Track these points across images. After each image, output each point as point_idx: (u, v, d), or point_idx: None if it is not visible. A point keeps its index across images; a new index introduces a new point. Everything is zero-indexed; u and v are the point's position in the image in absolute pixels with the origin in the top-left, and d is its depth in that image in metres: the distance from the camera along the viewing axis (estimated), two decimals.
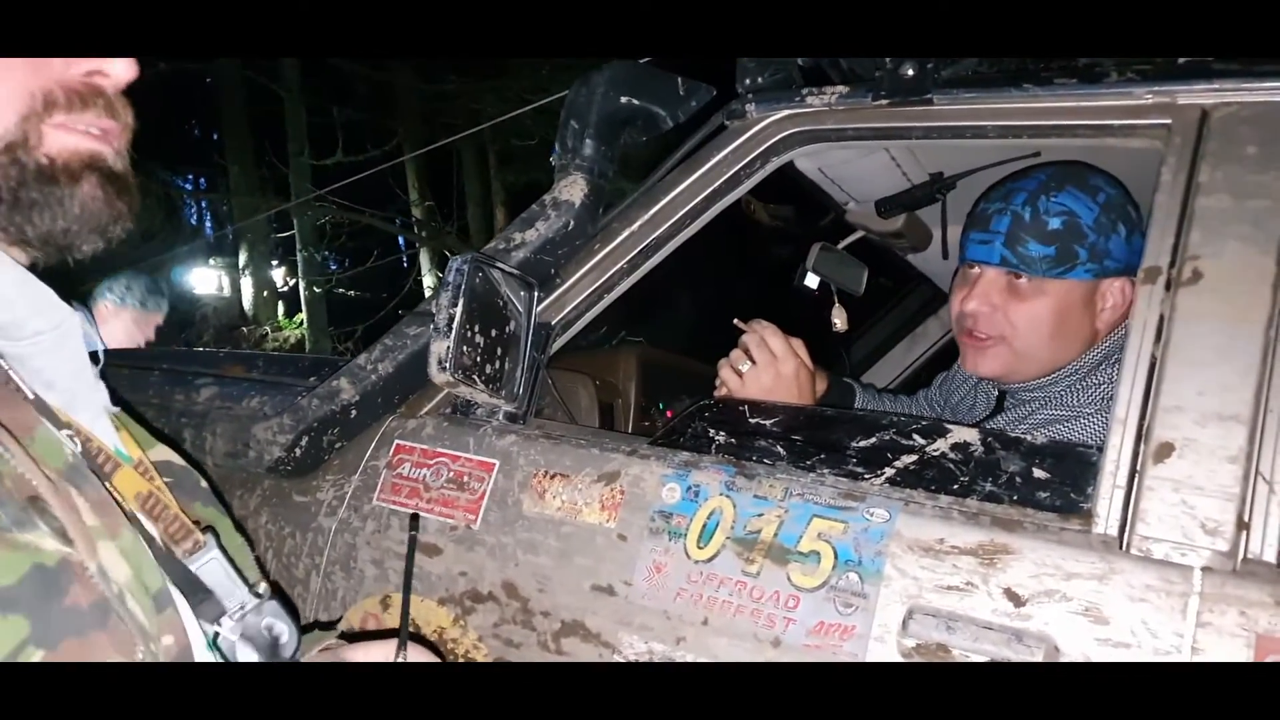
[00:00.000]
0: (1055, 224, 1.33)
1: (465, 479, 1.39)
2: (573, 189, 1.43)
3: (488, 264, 1.29)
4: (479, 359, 1.27)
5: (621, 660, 1.18)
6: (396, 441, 1.49)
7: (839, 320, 1.93)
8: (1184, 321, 1.01)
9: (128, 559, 0.64)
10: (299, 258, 11.76)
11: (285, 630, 0.78)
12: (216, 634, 0.73)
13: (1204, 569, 0.91)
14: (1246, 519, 0.92)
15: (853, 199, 1.81)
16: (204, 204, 13.45)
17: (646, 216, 1.43)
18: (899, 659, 1.02)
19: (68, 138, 0.69)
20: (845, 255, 2.00)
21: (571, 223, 1.43)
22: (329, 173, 11.06)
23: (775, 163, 1.41)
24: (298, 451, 1.53)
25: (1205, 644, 0.88)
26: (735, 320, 1.52)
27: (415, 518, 1.37)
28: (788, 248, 1.95)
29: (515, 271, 1.35)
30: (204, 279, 12.84)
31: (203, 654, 0.71)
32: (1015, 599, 0.98)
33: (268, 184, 11.92)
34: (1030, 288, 1.37)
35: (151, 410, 1.78)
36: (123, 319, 3.51)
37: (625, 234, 1.44)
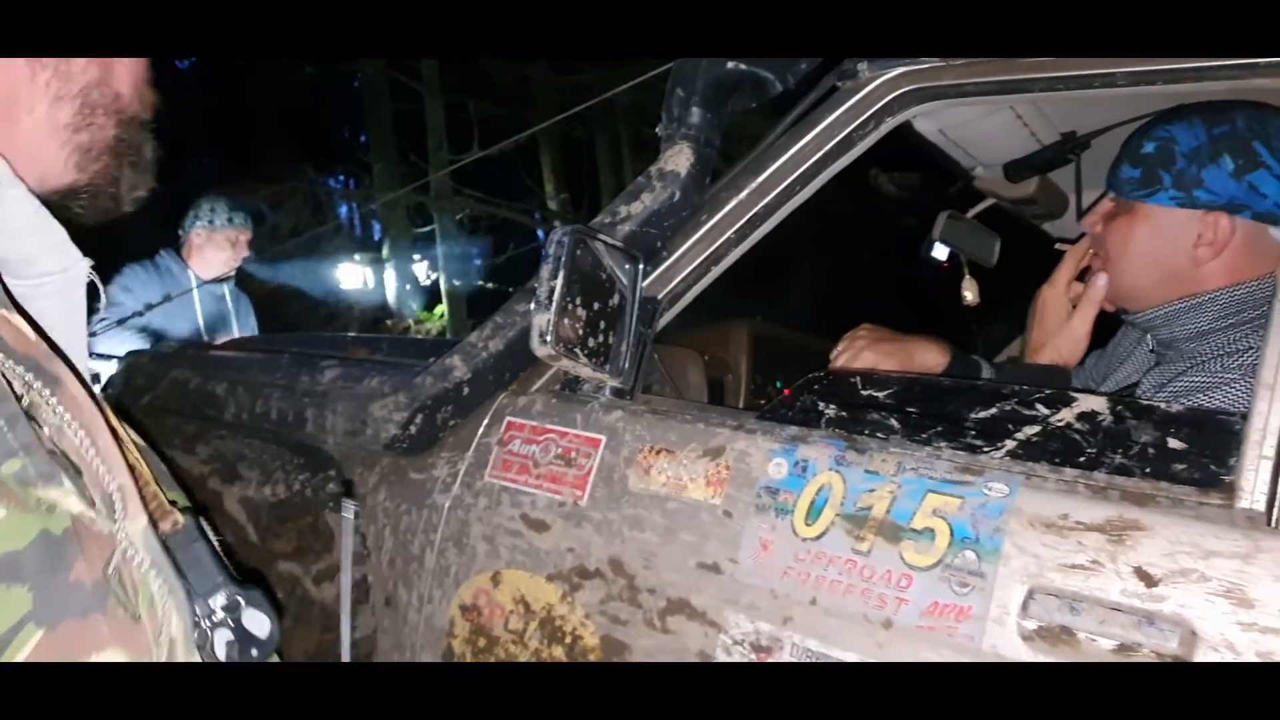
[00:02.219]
0: (1149, 148, 1.31)
1: (573, 455, 1.39)
2: (679, 159, 1.41)
3: (590, 236, 1.28)
4: (582, 332, 1.26)
5: (729, 639, 1.15)
6: (507, 418, 1.50)
7: (970, 293, 1.84)
8: None
9: (148, 534, 0.61)
10: (439, 251, 12.16)
11: (267, 623, 0.73)
12: (195, 622, 0.68)
13: None
14: None
15: (980, 163, 1.71)
16: (352, 204, 14.03)
17: (754, 184, 1.39)
18: (1019, 642, 0.95)
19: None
20: (975, 224, 1.90)
21: (677, 194, 1.40)
22: (468, 168, 11.39)
23: (890, 123, 1.35)
24: (412, 429, 1.56)
25: None
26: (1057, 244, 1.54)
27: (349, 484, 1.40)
28: (916, 218, 1.86)
29: (619, 245, 1.34)
30: (349, 274, 13.42)
31: (187, 644, 0.66)
32: (1147, 579, 0.90)
33: (409, 180, 12.37)
34: (1122, 209, 1.35)
35: (278, 391, 1.87)
36: (216, 241, 3.60)
37: (733, 203, 1.41)
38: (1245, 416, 0.93)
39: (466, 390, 1.54)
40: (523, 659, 1.35)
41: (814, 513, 1.13)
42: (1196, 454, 0.95)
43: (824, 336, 1.59)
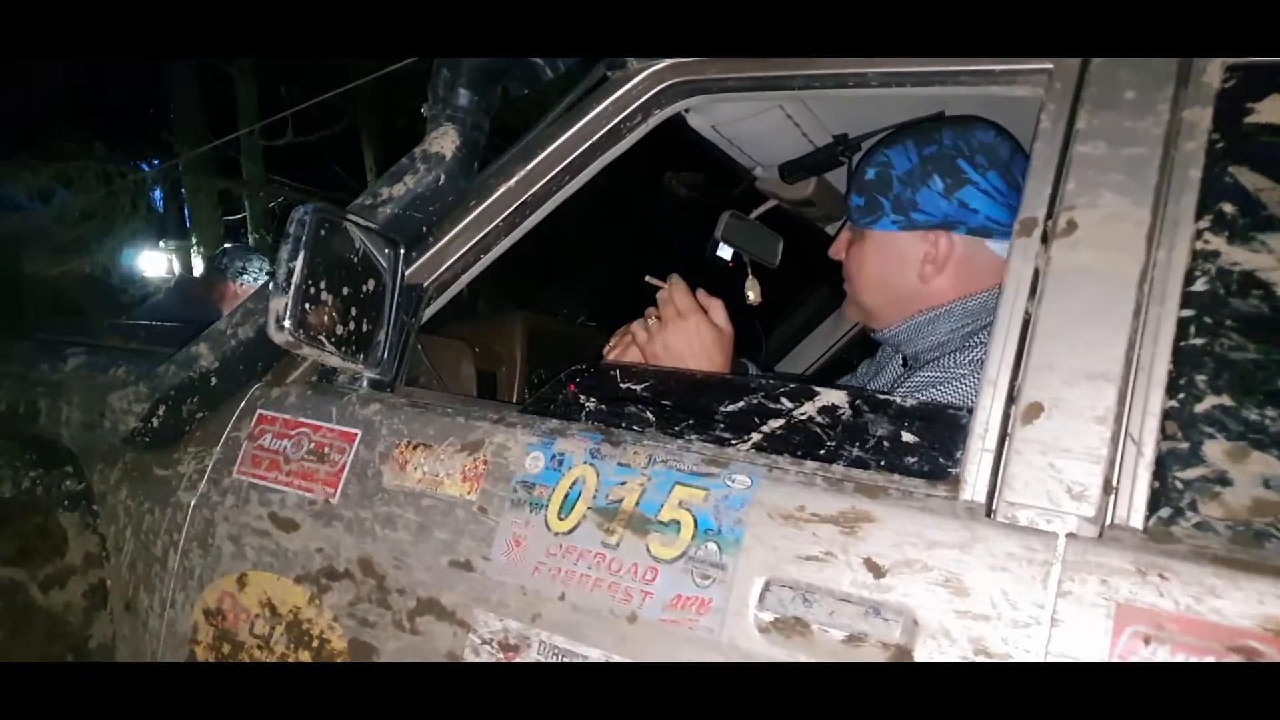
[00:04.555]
0: (870, 174, 1.36)
1: (326, 450, 1.30)
2: (444, 141, 1.34)
3: (339, 217, 1.20)
4: (328, 319, 1.18)
5: (477, 639, 1.10)
6: (259, 411, 1.39)
7: (752, 293, 1.85)
8: (1058, 275, 0.94)
9: None
10: (250, 240, 11.53)
11: None
12: None
13: (1068, 535, 0.85)
14: (1114, 483, 0.85)
15: (758, 163, 1.73)
16: (156, 184, 13.12)
17: (524, 171, 1.35)
18: (756, 634, 0.94)
19: None
20: (758, 225, 1.92)
21: (443, 177, 1.34)
22: (280, 153, 10.84)
23: (658, 115, 1.33)
24: (155, 421, 1.43)
25: (1065, 614, 0.81)
26: (647, 277, 1.43)
27: None
28: (704, 218, 1.87)
29: (375, 227, 1.26)
30: (153, 261, 12.58)
31: None
32: (875, 569, 0.91)
33: (218, 164, 11.68)
34: (855, 237, 1.41)
35: (9, 380, 1.68)
36: (243, 294, 3.27)
37: (502, 190, 1.36)
38: (971, 411, 0.96)
39: (214, 380, 1.42)
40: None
41: (567, 507, 1.09)
42: (927, 447, 0.97)
43: (608, 332, 1.56)
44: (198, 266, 11.92)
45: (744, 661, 0.94)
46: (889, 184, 1.33)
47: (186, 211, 12.33)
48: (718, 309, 1.36)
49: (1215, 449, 0.82)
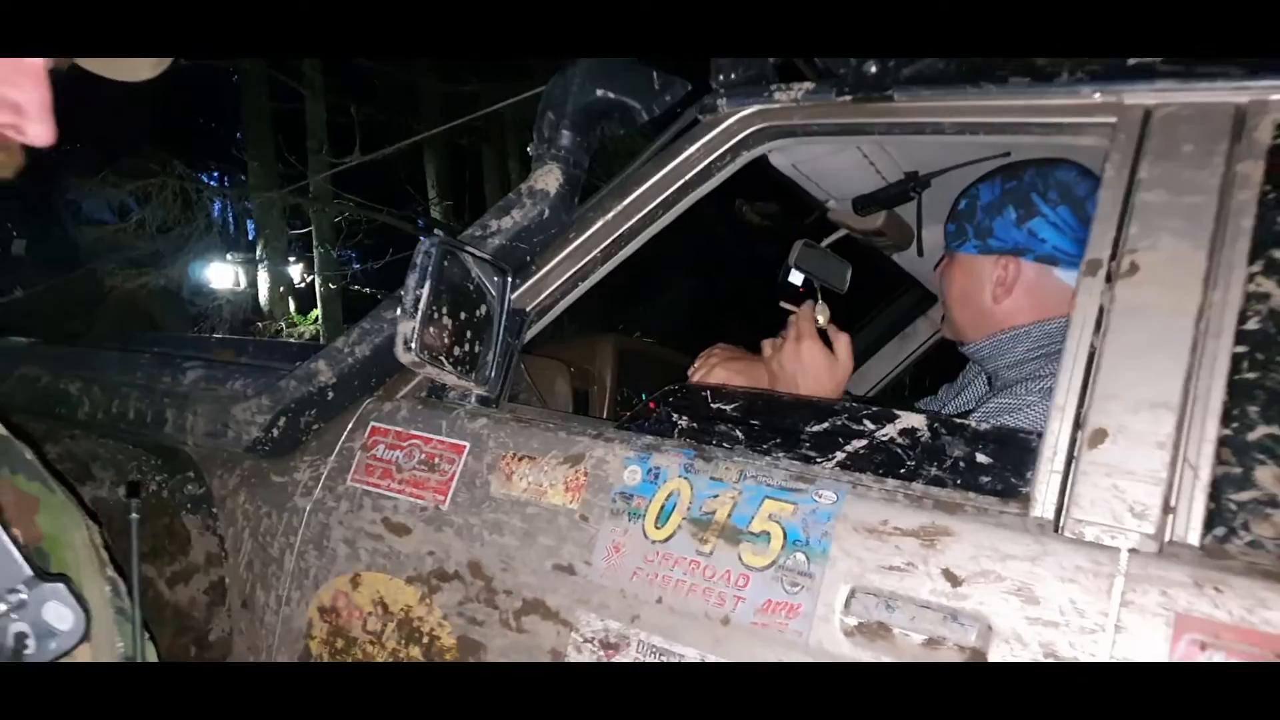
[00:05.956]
0: (962, 205, 1.52)
1: (436, 460, 1.42)
2: (548, 178, 1.47)
3: (458, 248, 1.32)
4: (448, 341, 1.30)
5: (579, 637, 1.21)
6: (372, 424, 1.52)
7: (822, 317, 1.96)
8: (1121, 312, 1.03)
9: None
10: (315, 254, 11.87)
11: (70, 615, 0.73)
12: None
13: (1131, 551, 0.93)
14: (1172, 503, 0.94)
15: (832, 196, 1.83)
16: (225, 200, 13.56)
17: (620, 207, 1.46)
18: (841, 638, 1.04)
19: None
20: (828, 253, 2.01)
21: (547, 211, 1.46)
22: (348, 171, 11.15)
23: (746, 157, 1.44)
24: (275, 432, 1.57)
25: (1128, 623, 0.90)
26: (782, 302, 1.58)
27: (134, 485, 1.41)
28: (776, 246, 1.97)
29: (488, 257, 1.38)
30: (220, 274, 12.99)
31: None
32: (953, 579, 1.00)
33: (286, 181, 12.04)
34: (949, 259, 1.56)
35: (136, 391, 1.83)
36: None
37: (600, 223, 1.48)
38: (1041, 435, 1.05)
39: (331, 395, 1.55)
40: (380, 659, 1.38)
41: (663, 517, 1.20)
42: (999, 468, 1.07)
43: (688, 353, 1.67)
44: (263, 279, 12.29)
45: (827, 662, 1.03)
46: (974, 212, 1.49)
47: (252, 226, 12.71)
48: (843, 342, 1.48)
49: (1266, 474, 0.91)
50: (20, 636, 0.70)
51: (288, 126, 11.63)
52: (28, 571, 0.71)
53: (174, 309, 11.39)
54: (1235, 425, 0.94)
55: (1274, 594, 0.85)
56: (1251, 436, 0.93)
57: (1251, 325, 0.97)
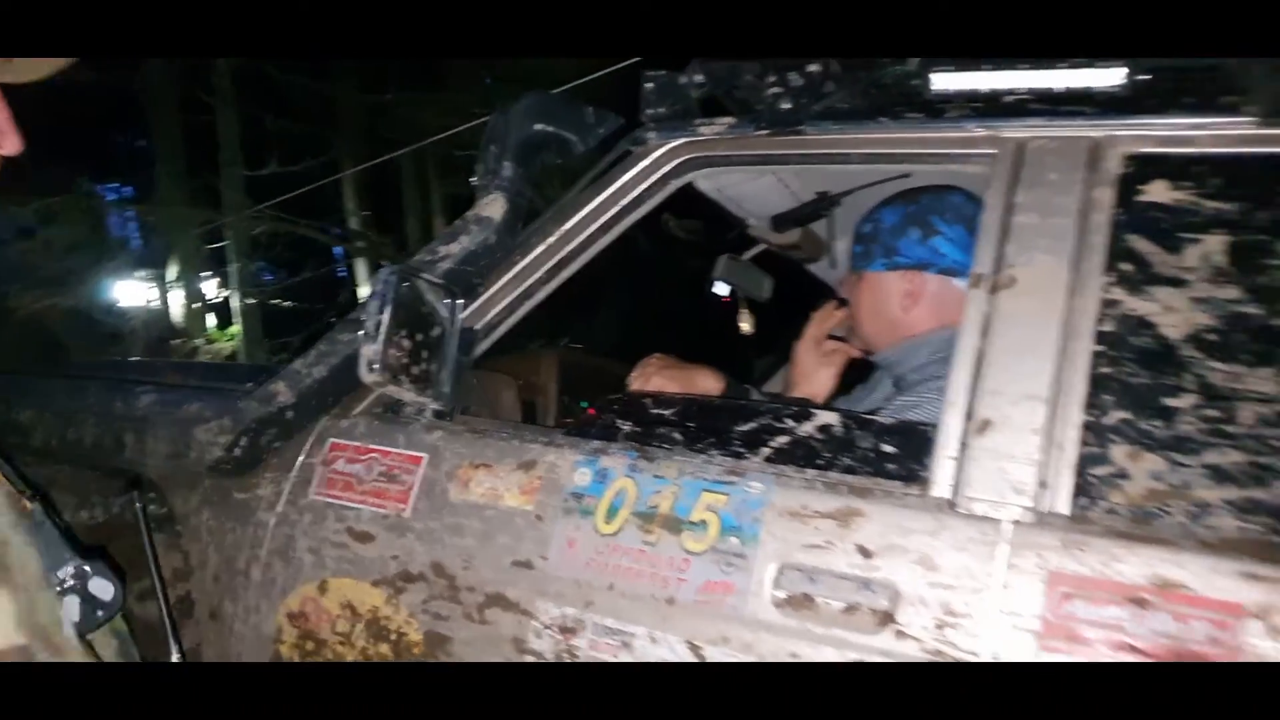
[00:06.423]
0: (866, 228, 1.72)
1: (395, 472, 1.53)
2: (493, 206, 1.59)
3: (413, 274, 1.44)
4: (406, 361, 1.42)
5: (539, 624, 1.33)
6: (331, 440, 1.62)
7: (746, 324, 2.14)
8: (1002, 319, 1.20)
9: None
10: (232, 269, 11.67)
11: (111, 588, 0.85)
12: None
13: (1013, 522, 1.10)
14: (1046, 480, 1.11)
15: (753, 215, 1.99)
16: (134, 215, 13.21)
17: (560, 231, 1.60)
18: (772, 609, 1.19)
19: None
20: (750, 265, 2.19)
21: (492, 237, 1.59)
22: (263, 184, 11.01)
23: (675, 184, 1.58)
24: (237, 451, 1.65)
25: (1011, 581, 1.07)
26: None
27: (138, 480, 1.50)
28: (703, 260, 2.14)
29: (439, 281, 1.50)
30: (132, 291, 12.65)
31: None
32: (865, 553, 1.16)
33: (199, 194, 11.81)
34: (855, 278, 1.73)
35: (92, 418, 1.89)
36: None
37: (542, 247, 1.60)
38: (937, 427, 1.21)
39: (291, 414, 1.64)
40: (350, 658, 1.48)
41: (612, 513, 1.33)
42: (903, 456, 1.23)
43: (624, 362, 1.81)
44: (177, 296, 12.03)
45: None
46: (879, 234, 1.67)
47: (163, 242, 12.41)
48: (835, 358, 1.86)
49: (1119, 452, 1.09)
50: (81, 609, 0.81)
51: (199, 139, 11.41)
52: (71, 550, 0.82)
53: (84, 329, 11.08)
54: (1095, 412, 1.12)
55: (1125, 550, 1.03)
56: (1108, 421, 1.11)
57: (1107, 328, 1.15)
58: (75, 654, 0.73)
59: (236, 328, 11.77)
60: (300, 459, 1.64)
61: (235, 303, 11.70)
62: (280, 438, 1.67)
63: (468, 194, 1.69)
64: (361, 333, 1.38)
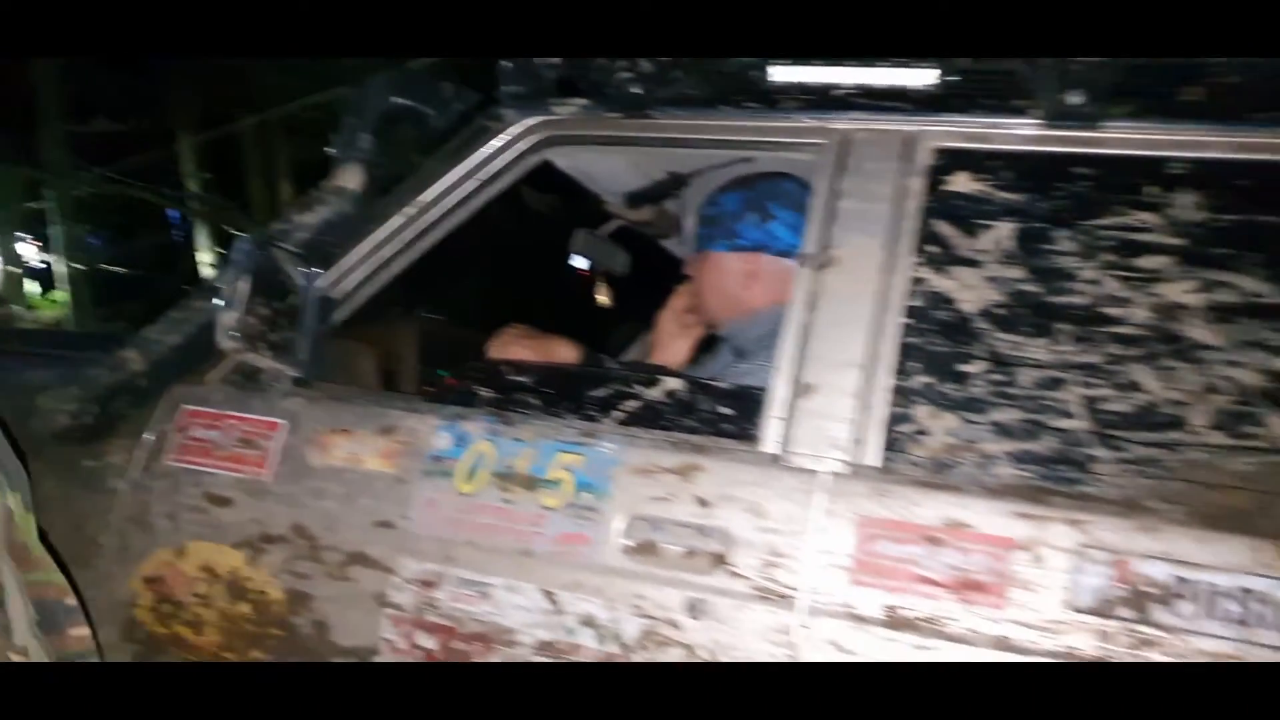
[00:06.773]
0: (709, 211, 1.83)
1: (253, 438, 1.55)
2: (350, 177, 1.62)
3: (269, 244, 1.46)
4: (264, 329, 1.45)
5: (400, 579, 1.40)
6: (185, 407, 1.62)
7: (603, 297, 2.24)
8: (825, 295, 1.34)
9: None
10: (54, 232, 10.92)
11: None
12: None
13: (831, 474, 1.25)
14: (859, 437, 1.26)
15: (608, 193, 2.08)
16: None
17: (418, 204, 1.65)
18: (623, 555, 1.30)
19: None
20: (606, 240, 2.28)
21: (349, 207, 1.62)
22: (90, 140, 10.33)
23: (530, 160, 1.66)
24: (86, 419, 1.63)
25: (827, 525, 1.22)
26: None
27: None
28: (561, 234, 2.21)
29: (296, 250, 1.53)
30: None
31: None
32: (703, 503, 1.28)
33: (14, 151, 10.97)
34: (700, 258, 1.85)
35: None
36: None
37: (400, 219, 1.65)
38: (768, 391, 1.35)
39: (143, 381, 1.64)
40: (209, 619, 1.50)
41: (471, 474, 1.41)
42: (738, 417, 1.36)
43: (483, 333, 1.87)
44: None
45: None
46: (721, 218, 1.79)
47: None
48: (686, 335, 2.01)
49: (922, 412, 1.25)
50: None
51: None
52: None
53: None
54: (902, 377, 1.27)
55: (923, 496, 1.19)
56: (913, 385, 1.27)
57: (915, 303, 1.30)
58: None
59: (62, 294, 11.04)
60: (154, 425, 1.64)
61: (61, 268, 10.96)
62: (132, 405, 1.65)
63: (318, 157, 1.71)
64: (219, 300, 1.40)
